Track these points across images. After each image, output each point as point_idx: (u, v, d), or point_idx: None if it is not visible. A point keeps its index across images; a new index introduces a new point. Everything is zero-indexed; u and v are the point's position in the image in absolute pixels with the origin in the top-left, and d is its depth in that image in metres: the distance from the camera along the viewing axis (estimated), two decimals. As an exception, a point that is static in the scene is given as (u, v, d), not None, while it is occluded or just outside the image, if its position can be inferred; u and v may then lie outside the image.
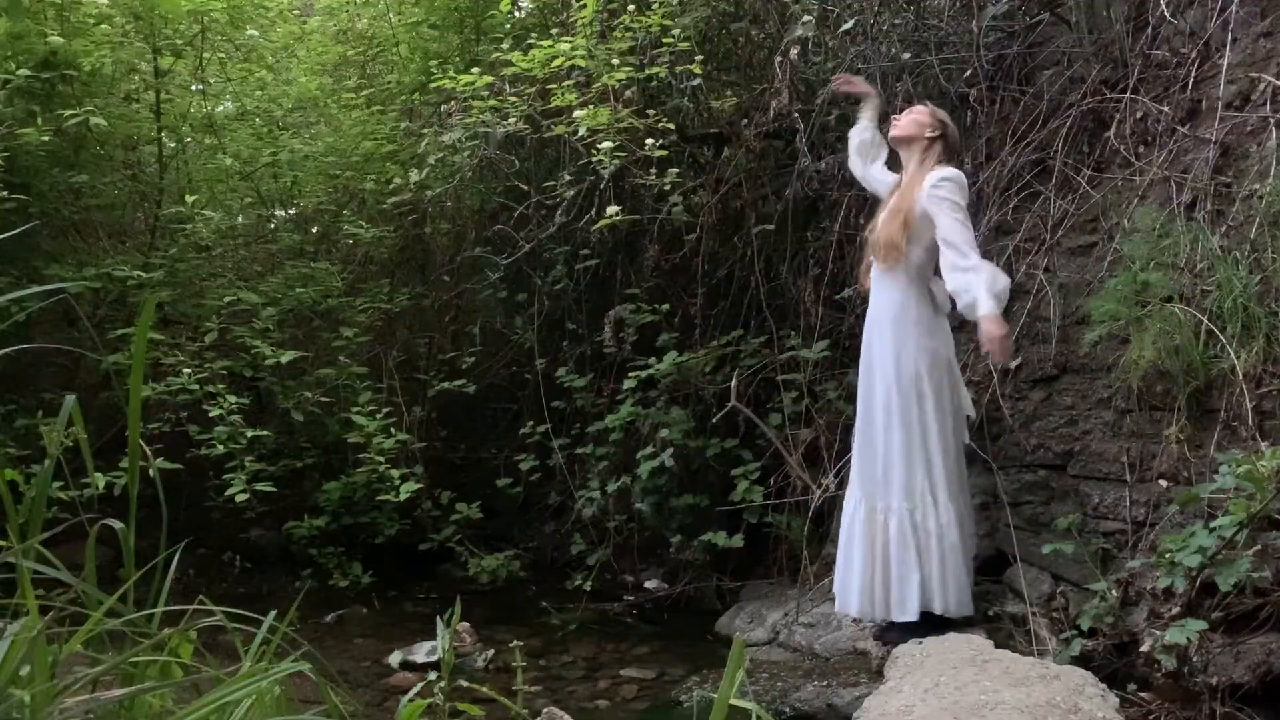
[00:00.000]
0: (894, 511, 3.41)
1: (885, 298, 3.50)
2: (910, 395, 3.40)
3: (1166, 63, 3.83)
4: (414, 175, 5.26)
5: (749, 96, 4.95)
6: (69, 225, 5.27)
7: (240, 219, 5.86)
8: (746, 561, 4.66)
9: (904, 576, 3.38)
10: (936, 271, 3.41)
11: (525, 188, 5.26)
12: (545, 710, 3.06)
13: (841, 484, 4.01)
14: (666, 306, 5.00)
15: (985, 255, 3.98)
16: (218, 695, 1.52)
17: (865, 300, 3.69)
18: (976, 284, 3.20)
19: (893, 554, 3.40)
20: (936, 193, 3.32)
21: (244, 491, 4.44)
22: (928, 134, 3.49)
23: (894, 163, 3.77)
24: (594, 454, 4.94)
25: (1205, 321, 3.14)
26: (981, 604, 3.57)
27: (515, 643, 2.94)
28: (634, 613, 4.70)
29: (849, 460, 3.96)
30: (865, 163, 3.85)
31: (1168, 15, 3.84)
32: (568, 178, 4.89)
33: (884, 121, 3.79)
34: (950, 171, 3.39)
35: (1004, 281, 3.26)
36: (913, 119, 3.54)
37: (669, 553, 4.76)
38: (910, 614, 3.36)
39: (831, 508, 4.16)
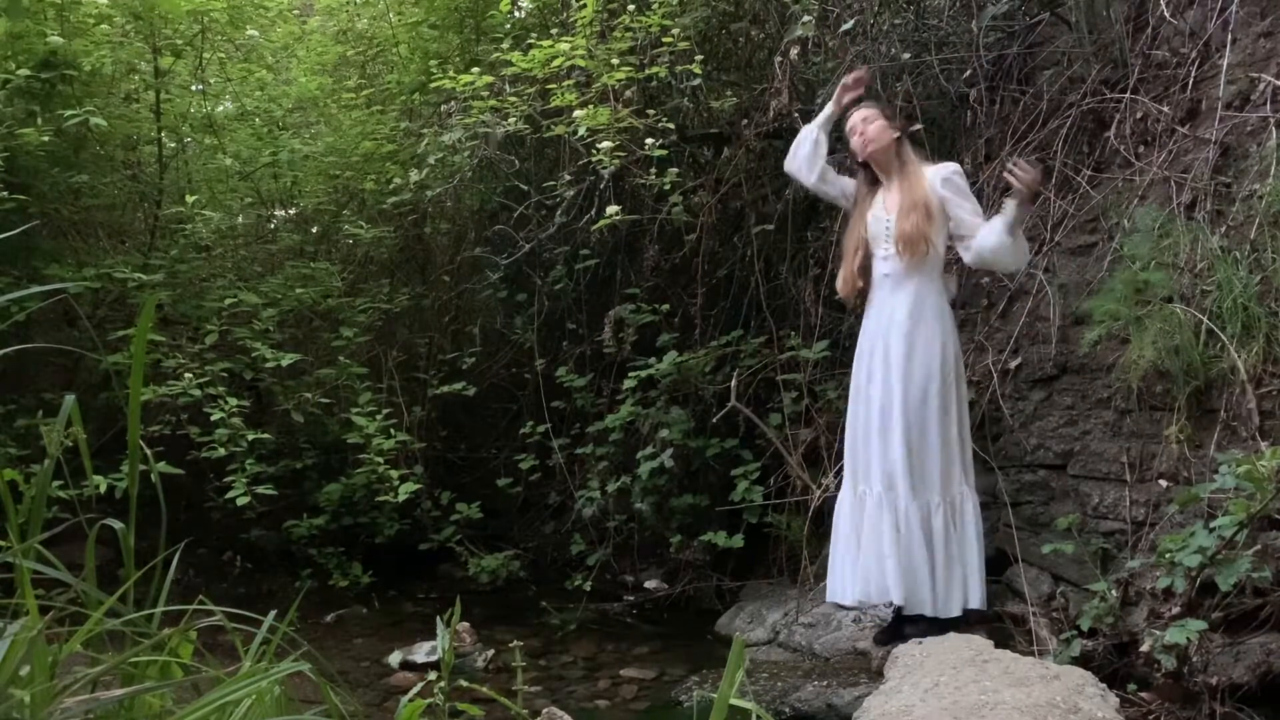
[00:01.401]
0: (938, 505, 3.40)
1: (905, 293, 3.46)
2: (950, 385, 3.42)
3: (1166, 63, 3.83)
4: (414, 175, 5.26)
5: (749, 96, 4.94)
6: (69, 225, 5.27)
7: (240, 219, 5.85)
8: (746, 561, 4.66)
9: (955, 568, 3.40)
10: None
11: (525, 188, 5.26)
12: (545, 710, 3.06)
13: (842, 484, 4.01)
14: (666, 306, 5.00)
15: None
16: (218, 695, 1.52)
17: (857, 304, 3.69)
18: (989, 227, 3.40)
19: (944, 547, 3.40)
20: (951, 184, 3.45)
21: (245, 494, 4.45)
22: (894, 134, 3.51)
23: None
24: (594, 454, 4.93)
25: (1205, 321, 3.14)
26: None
27: (515, 643, 2.95)
28: (634, 613, 4.70)
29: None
30: (812, 171, 3.69)
31: (1168, 15, 3.84)
32: (568, 178, 4.89)
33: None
34: (954, 166, 3.55)
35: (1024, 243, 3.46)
36: (878, 128, 3.51)
37: (669, 553, 4.76)
38: (955, 610, 3.38)
39: (831, 507, 4.16)
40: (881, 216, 3.52)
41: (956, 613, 3.38)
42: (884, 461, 3.45)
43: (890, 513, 3.40)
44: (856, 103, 3.64)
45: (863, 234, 3.56)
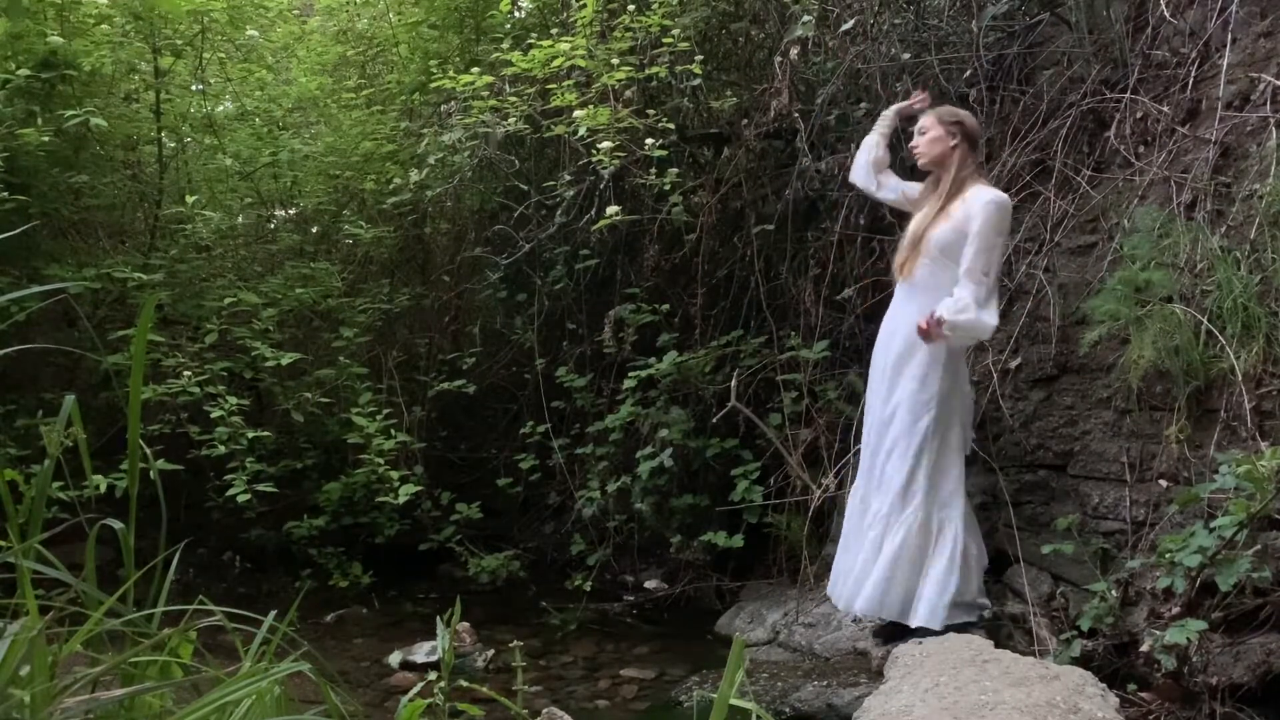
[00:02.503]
0: (904, 520, 3.40)
1: (913, 307, 3.41)
2: (921, 412, 3.36)
3: (1166, 63, 3.83)
4: (414, 175, 5.26)
5: (749, 96, 4.94)
6: (69, 225, 5.27)
7: (240, 219, 5.85)
8: (746, 561, 4.66)
9: (871, 569, 3.42)
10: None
11: (525, 188, 5.26)
12: (545, 710, 3.06)
13: (841, 484, 4.02)
14: (666, 306, 4.99)
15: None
16: (218, 695, 1.52)
17: (866, 299, 3.69)
18: (946, 301, 3.28)
19: (904, 560, 3.39)
20: (978, 218, 3.27)
21: (245, 492, 4.45)
22: (951, 144, 3.43)
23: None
24: (594, 454, 4.93)
25: (1205, 322, 3.14)
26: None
27: (515, 643, 2.95)
28: (634, 613, 4.70)
29: (849, 460, 3.97)
30: (873, 175, 3.76)
31: (1168, 15, 3.84)
32: (568, 178, 4.89)
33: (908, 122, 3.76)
34: (994, 197, 3.31)
35: (968, 317, 3.22)
36: (931, 139, 3.46)
37: (669, 553, 4.76)
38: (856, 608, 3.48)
39: (831, 508, 4.16)
40: (913, 223, 3.50)
41: (856, 611, 3.50)
42: None
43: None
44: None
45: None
